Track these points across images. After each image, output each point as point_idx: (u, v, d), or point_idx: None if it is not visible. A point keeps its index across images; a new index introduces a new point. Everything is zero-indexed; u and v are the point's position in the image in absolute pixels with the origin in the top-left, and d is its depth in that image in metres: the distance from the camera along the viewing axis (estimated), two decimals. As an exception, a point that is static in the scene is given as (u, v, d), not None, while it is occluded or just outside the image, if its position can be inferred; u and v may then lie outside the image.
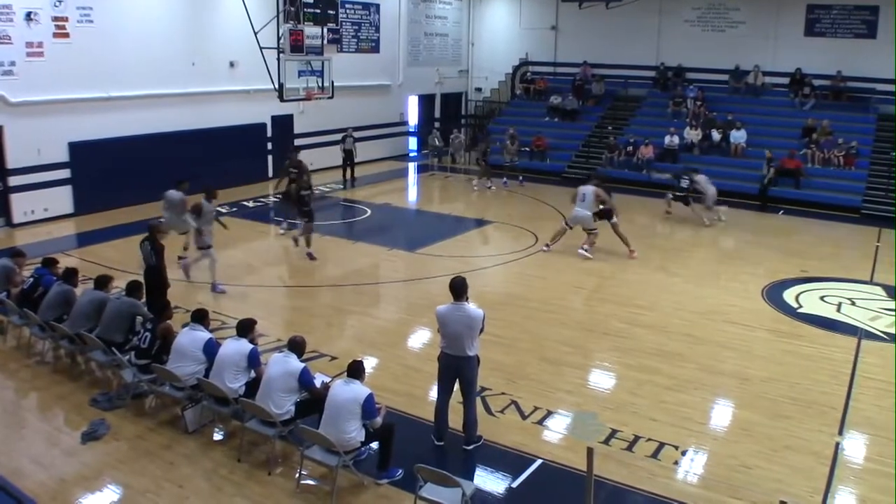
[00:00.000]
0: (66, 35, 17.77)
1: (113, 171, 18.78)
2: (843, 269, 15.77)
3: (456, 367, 8.26)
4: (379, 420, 7.65)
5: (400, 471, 7.80)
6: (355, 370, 7.74)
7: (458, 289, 8.18)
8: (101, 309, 9.95)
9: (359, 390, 7.53)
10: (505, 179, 24.30)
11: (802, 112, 24.96)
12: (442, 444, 8.52)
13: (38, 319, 10.36)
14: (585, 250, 16.08)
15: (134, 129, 19.48)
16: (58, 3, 17.46)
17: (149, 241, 11.56)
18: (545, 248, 16.48)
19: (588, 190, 15.95)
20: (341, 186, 23.49)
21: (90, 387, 9.80)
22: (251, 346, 8.62)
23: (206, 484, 7.71)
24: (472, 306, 8.22)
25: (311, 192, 15.99)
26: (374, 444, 7.90)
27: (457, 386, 8.40)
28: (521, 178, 24.64)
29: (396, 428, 7.92)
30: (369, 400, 7.48)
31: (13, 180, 17.50)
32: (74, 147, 18.45)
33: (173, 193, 15.07)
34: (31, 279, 11.12)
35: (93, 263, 14.34)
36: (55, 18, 17.49)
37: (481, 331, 8.22)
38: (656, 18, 28.28)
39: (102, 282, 10.35)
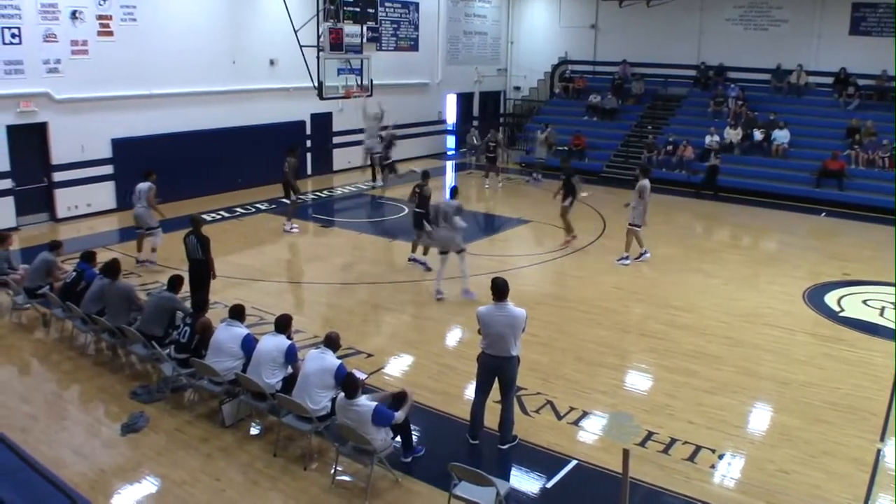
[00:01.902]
0: (110, 33, 18.06)
1: (154, 168, 18.94)
2: (887, 273, 15.45)
3: (496, 367, 8.26)
4: (400, 415, 7.70)
5: (422, 448, 8.05)
6: (351, 386, 7.54)
7: (502, 289, 8.18)
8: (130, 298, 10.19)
9: (363, 410, 7.42)
10: (535, 175, 24.99)
11: (846, 112, 24.55)
12: (476, 442, 8.52)
13: (80, 313, 10.54)
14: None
15: (175, 126, 19.75)
16: (102, 2, 17.74)
17: (193, 234, 11.69)
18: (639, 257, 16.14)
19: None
20: (372, 185, 23.47)
21: (130, 380, 9.96)
22: (289, 342, 8.69)
23: (242, 477, 7.79)
24: (514, 306, 8.20)
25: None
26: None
27: (495, 385, 8.42)
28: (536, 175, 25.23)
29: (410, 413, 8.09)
30: (380, 416, 7.42)
31: (57, 176, 17.81)
32: (117, 143, 18.74)
33: (142, 185, 14.66)
34: (74, 273, 11.32)
35: (134, 259, 14.56)
36: (99, 17, 17.79)
37: (523, 330, 8.22)
38: (698, 17, 27.99)
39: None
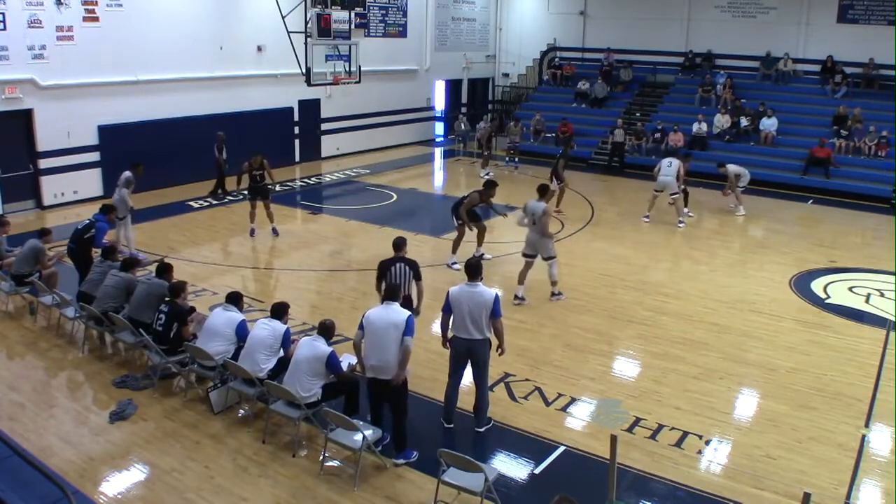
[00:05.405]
0: (96, 19, 17.91)
1: (141, 155, 18.85)
2: (873, 260, 15.57)
3: (468, 351, 8.29)
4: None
5: (415, 453, 7.92)
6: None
7: (475, 268, 8.27)
8: (130, 291, 10.06)
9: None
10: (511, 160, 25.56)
11: (833, 100, 24.62)
12: (451, 426, 8.58)
13: (68, 300, 10.49)
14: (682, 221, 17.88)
15: (162, 113, 19.65)
16: (87, -13, 17.60)
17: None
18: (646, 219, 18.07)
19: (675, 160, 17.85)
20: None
21: (119, 367, 9.95)
22: (285, 326, 8.76)
23: (231, 464, 7.80)
24: (485, 287, 8.24)
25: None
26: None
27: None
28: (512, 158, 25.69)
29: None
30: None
31: (43, 163, 17.70)
32: (103, 130, 18.62)
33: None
34: (87, 221, 11.98)
35: (122, 246, 14.48)
36: (85, 2, 17.63)
37: (496, 313, 8.16)
38: (686, 4, 27.98)
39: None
